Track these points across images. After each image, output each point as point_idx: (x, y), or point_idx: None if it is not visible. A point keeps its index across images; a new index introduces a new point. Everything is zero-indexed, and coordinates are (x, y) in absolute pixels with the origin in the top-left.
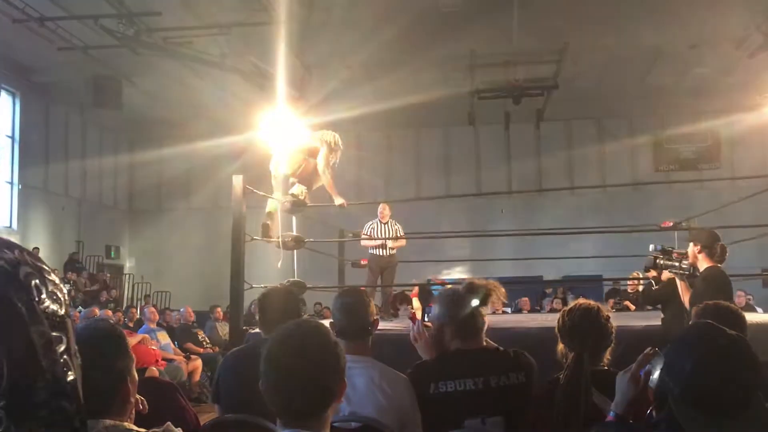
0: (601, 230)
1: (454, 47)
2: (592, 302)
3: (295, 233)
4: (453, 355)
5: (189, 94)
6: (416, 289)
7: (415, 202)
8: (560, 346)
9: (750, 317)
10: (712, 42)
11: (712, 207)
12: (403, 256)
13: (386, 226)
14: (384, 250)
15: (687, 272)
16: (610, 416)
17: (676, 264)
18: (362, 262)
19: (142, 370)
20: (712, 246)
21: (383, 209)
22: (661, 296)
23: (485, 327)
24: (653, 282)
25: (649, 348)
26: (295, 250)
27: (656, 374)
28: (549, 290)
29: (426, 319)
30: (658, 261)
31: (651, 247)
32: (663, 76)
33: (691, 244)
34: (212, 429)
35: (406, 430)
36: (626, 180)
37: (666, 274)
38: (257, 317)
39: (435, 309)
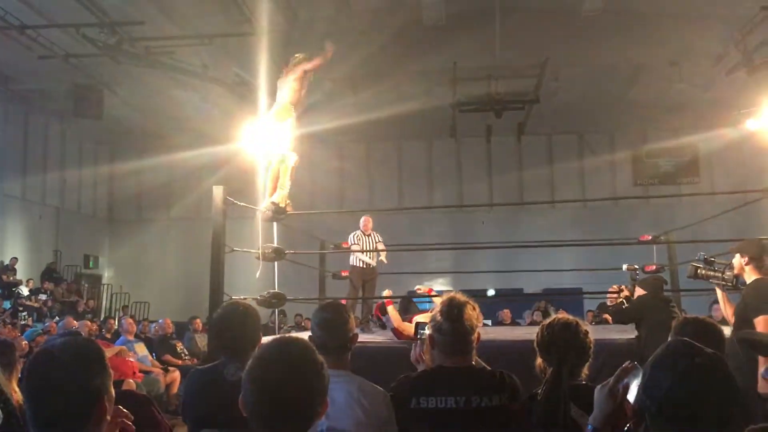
0: (581, 243)
1: (436, 60)
2: (570, 317)
3: (275, 244)
4: (438, 371)
5: (170, 105)
6: (386, 299)
7: (397, 214)
8: (539, 361)
9: (729, 331)
10: (692, 59)
11: (691, 221)
12: (385, 268)
13: (369, 237)
14: (364, 263)
15: (730, 284)
16: (588, 430)
17: (719, 275)
18: (343, 274)
19: (119, 382)
20: (760, 257)
21: (366, 221)
22: (630, 315)
23: (476, 345)
24: (624, 301)
25: (628, 362)
26: (275, 262)
27: (634, 388)
28: (542, 303)
29: (420, 335)
30: (699, 271)
31: (624, 266)
32: (643, 91)
33: (738, 255)
34: None
35: None
36: (606, 193)
37: (638, 292)
38: (212, 337)
39: (434, 317)
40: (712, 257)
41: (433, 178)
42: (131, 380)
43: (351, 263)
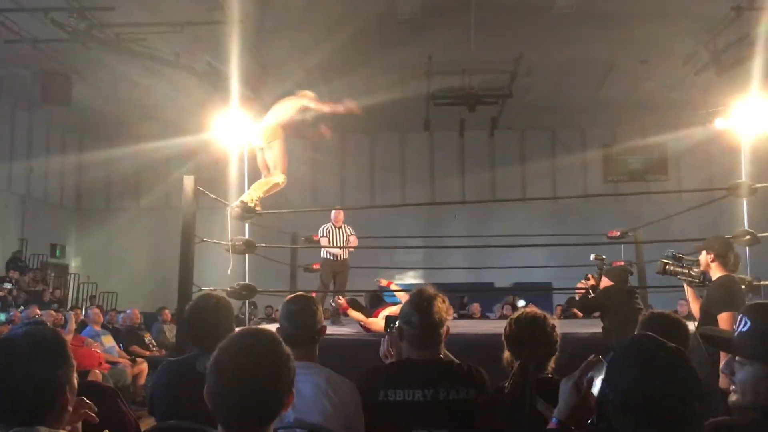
0: (550, 242)
1: (410, 53)
2: (538, 311)
3: (246, 237)
4: (406, 363)
5: (141, 93)
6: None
7: (368, 207)
8: (506, 354)
9: (693, 326)
10: (662, 58)
11: (659, 219)
12: (356, 262)
13: (339, 230)
14: (334, 255)
15: (697, 280)
16: (553, 422)
17: (686, 271)
18: (314, 267)
19: (84, 373)
20: (725, 254)
21: (337, 214)
22: (595, 304)
23: (445, 338)
24: (590, 291)
25: (593, 356)
26: (246, 254)
27: (598, 382)
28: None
29: (390, 329)
30: (668, 267)
31: (592, 256)
32: (614, 89)
33: (704, 252)
34: None
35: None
36: (577, 190)
37: (604, 282)
38: (183, 329)
39: (403, 308)
40: (680, 254)
41: (406, 171)
42: (97, 371)
43: (322, 256)
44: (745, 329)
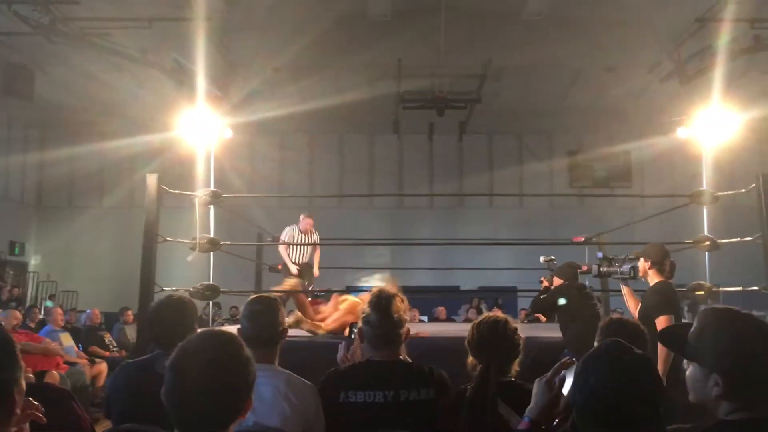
0: (517, 242)
1: (380, 54)
2: (500, 315)
3: (212, 235)
4: (366, 365)
5: (105, 89)
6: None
7: (337, 209)
8: (470, 359)
9: None
10: (627, 66)
11: (623, 225)
12: (323, 263)
13: (306, 237)
14: (301, 257)
15: (628, 275)
16: (525, 421)
17: (617, 269)
18: (279, 267)
19: (41, 374)
20: (662, 262)
21: (307, 222)
22: (547, 303)
23: (405, 339)
24: (542, 292)
25: (567, 357)
26: (210, 253)
27: (569, 382)
28: (476, 301)
29: (352, 336)
30: (601, 269)
31: (541, 258)
32: (580, 96)
33: (642, 259)
34: None
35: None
36: (544, 194)
37: (556, 282)
38: (143, 329)
39: (364, 310)
40: (610, 256)
41: (375, 173)
42: (54, 372)
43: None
44: (691, 331)
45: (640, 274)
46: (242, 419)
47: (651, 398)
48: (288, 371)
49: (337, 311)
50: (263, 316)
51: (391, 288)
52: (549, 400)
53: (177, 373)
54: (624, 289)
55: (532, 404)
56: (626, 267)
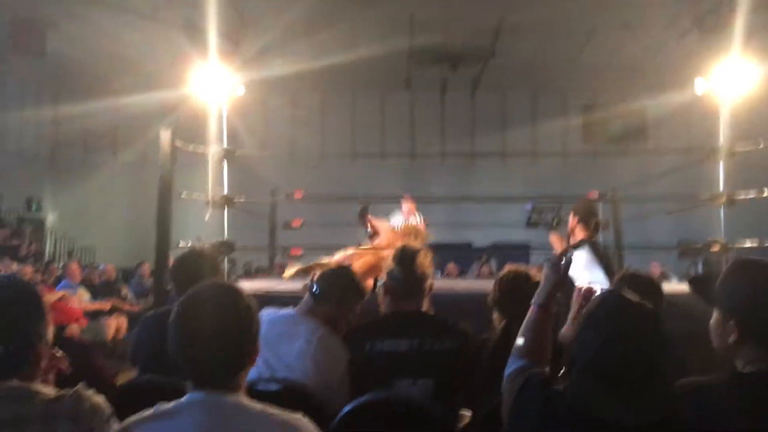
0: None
1: (393, 7)
2: (521, 268)
3: (225, 192)
4: (391, 316)
5: (118, 45)
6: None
7: (350, 164)
8: (495, 315)
9: (666, 287)
10: (643, 22)
11: (638, 180)
12: (333, 218)
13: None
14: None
15: (550, 225)
16: (533, 308)
17: (543, 218)
18: (293, 224)
19: (61, 328)
20: (588, 220)
21: (409, 204)
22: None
23: (429, 293)
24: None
25: (576, 240)
26: (225, 209)
27: (578, 262)
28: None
29: (376, 291)
30: (532, 219)
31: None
32: (596, 53)
33: (572, 213)
34: (126, 390)
35: (332, 394)
36: (557, 152)
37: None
38: (172, 280)
39: (388, 265)
40: (537, 207)
41: (387, 130)
42: (74, 326)
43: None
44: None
45: (569, 229)
46: (251, 366)
47: (656, 358)
48: (327, 330)
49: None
50: (331, 280)
51: (402, 236)
52: (556, 281)
53: (178, 326)
54: (552, 237)
55: (540, 288)
56: (549, 216)
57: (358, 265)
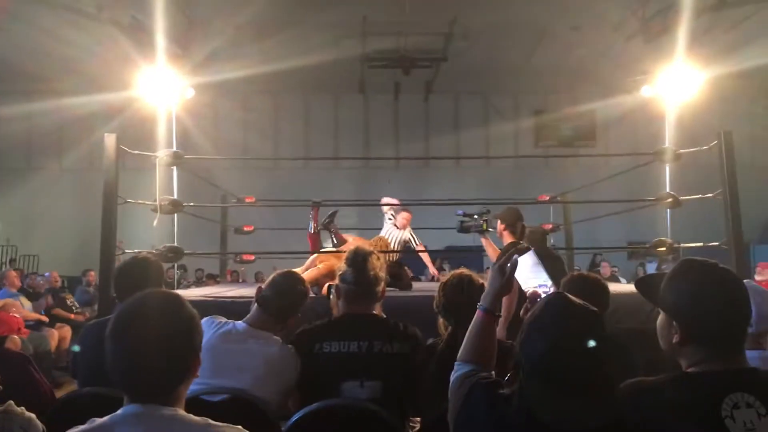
0: (483, 201)
1: (345, 11)
2: (465, 271)
3: (175, 196)
4: (341, 317)
5: (62, 46)
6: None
7: (302, 169)
8: (440, 320)
9: (613, 287)
10: (593, 25)
11: (588, 184)
12: (289, 224)
13: (400, 234)
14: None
15: (479, 229)
16: (480, 311)
17: (473, 224)
18: (245, 229)
19: (1, 339)
20: (514, 225)
21: (405, 215)
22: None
23: (381, 297)
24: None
25: (520, 243)
26: (174, 215)
27: (523, 266)
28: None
29: (330, 296)
30: (464, 225)
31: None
32: (546, 55)
33: (498, 221)
34: (65, 404)
35: (282, 401)
36: (509, 155)
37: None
38: (115, 289)
39: (340, 267)
40: (468, 213)
41: (340, 134)
42: (15, 336)
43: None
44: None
45: (498, 234)
46: (194, 378)
47: (599, 360)
48: (280, 341)
49: (315, 268)
50: (280, 287)
51: (367, 246)
52: (501, 285)
53: (114, 337)
54: (485, 241)
55: (486, 291)
56: (478, 222)
57: (318, 270)
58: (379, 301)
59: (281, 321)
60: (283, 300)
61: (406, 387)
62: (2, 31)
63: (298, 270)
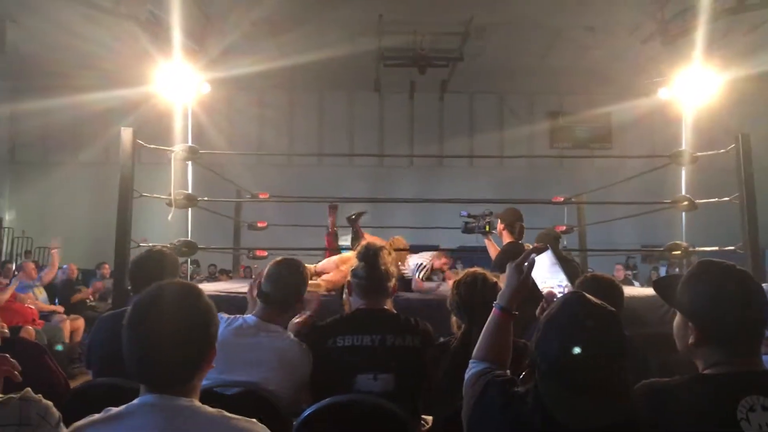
0: (497, 201)
1: (362, 9)
2: (478, 270)
3: (189, 191)
4: (354, 314)
5: (79, 42)
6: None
7: (317, 166)
8: (453, 319)
9: (627, 290)
10: (608, 26)
11: (602, 186)
12: (302, 221)
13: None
14: None
15: (483, 231)
16: (496, 309)
17: (476, 225)
18: (259, 224)
19: (16, 329)
20: (512, 224)
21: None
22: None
23: (393, 293)
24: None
25: (539, 243)
26: (189, 210)
27: (541, 266)
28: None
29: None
30: (468, 226)
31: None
32: (561, 57)
33: (498, 221)
34: (80, 394)
35: (295, 395)
36: (524, 155)
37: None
38: (130, 281)
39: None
40: (471, 214)
41: (355, 132)
42: (30, 327)
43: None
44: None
45: (497, 233)
46: (209, 369)
47: (615, 361)
48: (291, 336)
49: (338, 270)
50: (278, 279)
51: (379, 242)
52: (518, 284)
53: (130, 328)
54: (487, 242)
55: (503, 290)
56: (481, 224)
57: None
58: (390, 296)
59: (287, 310)
60: (285, 291)
61: (417, 381)
62: (20, 27)
63: (311, 266)
